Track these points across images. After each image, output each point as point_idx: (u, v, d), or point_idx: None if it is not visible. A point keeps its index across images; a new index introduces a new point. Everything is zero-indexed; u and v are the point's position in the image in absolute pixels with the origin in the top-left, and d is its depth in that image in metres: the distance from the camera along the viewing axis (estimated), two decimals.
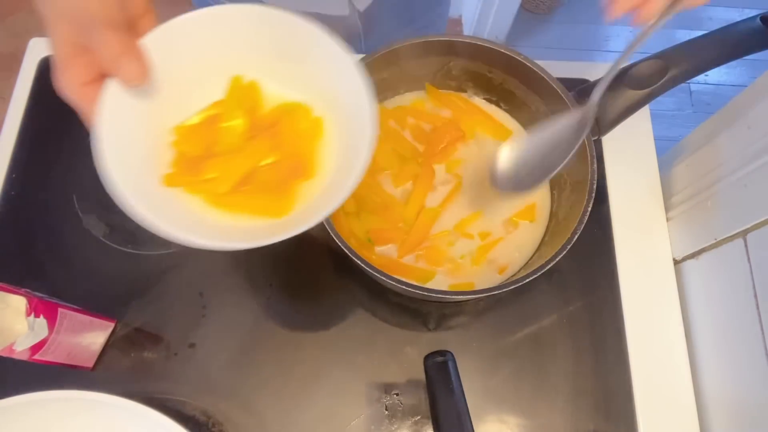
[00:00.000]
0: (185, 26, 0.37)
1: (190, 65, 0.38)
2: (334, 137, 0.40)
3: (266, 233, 0.35)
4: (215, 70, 0.39)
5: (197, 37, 0.37)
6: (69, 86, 0.34)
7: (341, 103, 0.39)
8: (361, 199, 0.53)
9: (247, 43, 0.38)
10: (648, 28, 0.40)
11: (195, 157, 0.38)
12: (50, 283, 0.54)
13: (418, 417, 0.51)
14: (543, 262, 0.45)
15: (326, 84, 0.39)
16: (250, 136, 0.39)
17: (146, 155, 0.37)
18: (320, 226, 0.44)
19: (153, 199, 0.35)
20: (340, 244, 0.45)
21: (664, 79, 0.48)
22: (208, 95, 0.40)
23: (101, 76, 0.35)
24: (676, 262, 0.58)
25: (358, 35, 0.68)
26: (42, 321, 0.43)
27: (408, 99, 0.59)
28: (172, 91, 0.37)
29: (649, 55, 0.49)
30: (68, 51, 0.34)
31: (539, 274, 0.45)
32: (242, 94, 0.40)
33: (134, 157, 0.36)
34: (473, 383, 0.52)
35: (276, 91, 0.41)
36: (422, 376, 0.44)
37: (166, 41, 0.36)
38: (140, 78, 0.34)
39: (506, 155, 0.48)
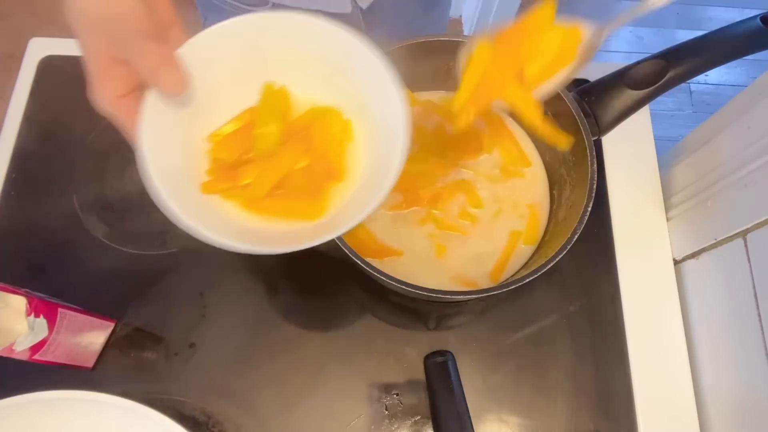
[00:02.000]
0: (219, 35, 0.37)
1: (223, 73, 0.38)
2: (364, 141, 0.40)
3: (301, 237, 0.36)
4: (248, 77, 0.40)
5: (230, 46, 0.38)
6: (106, 100, 0.34)
7: (373, 107, 0.39)
8: None
9: (279, 50, 0.39)
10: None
11: (230, 163, 0.39)
12: (50, 283, 0.54)
13: (418, 417, 0.51)
14: (543, 262, 0.45)
15: (358, 89, 0.39)
16: (282, 141, 0.39)
17: (185, 164, 0.38)
18: None
19: (194, 206, 0.36)
20: (339, 244, 0.45)
21: (664, 79, 0.48)
22: (241, 102, 0.40)
23: (136, 88, 0.35)
24: (676, 262, 0.58)
25: (361, 33, 0.69)
26: (42, 321, 0.43)
27: (436, 97, 0.59)
28: (206, 99, 0.38)
29: (649, 55, 0.49)
30: (103, 64, 0.34)
31: (539, 274, 0.45)
32: (275, 100, 0.40)
33: (174, 167, 0.37)
34: (473, 383, 0.52)
35: (307, 96, 0.41)
36: (422, 376, 0.44)
37: (201, 50, 0.36)
38: (180, 88, 0.34)
39: None
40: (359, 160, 0.40)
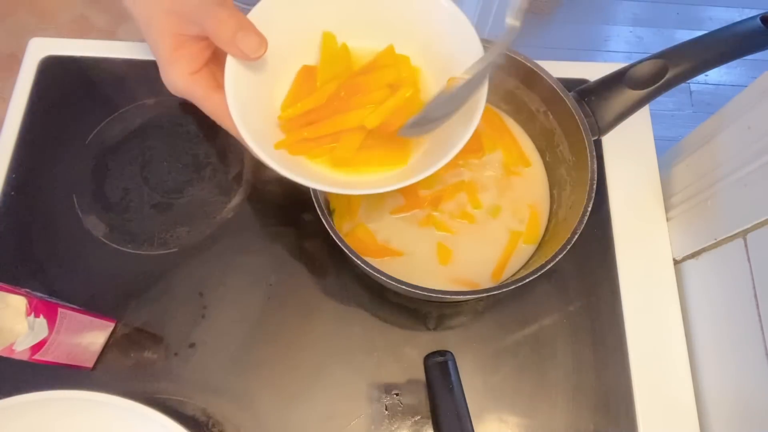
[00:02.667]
0: None
1: (290, 33, 0.39)
2: (434, 86, 0.40)
3: (391, 181, 0.37)
4: (306, 36, 0.40)
5: (295, 5, 0.38)
6: (180, 79, 0.35)
7: (440, 48, 0.39)
8: None
9: (345, 6, 0.39)
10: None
11: (300, 117, 0.39)
12: (50, 283, 0.54)
13: (418, 417, 0.51)
14: (543, 262, 0.45)
15: (425, 39, 0.40)
16: (352, 91, 0.40)
17: (268, 127, 0.39)
18: (321, 227, 0.44)
19: (284, 166, 0.36)
20: (340, 244, 0.45)
21: (664, 79, 0.48)
22: (300, 61, 0.41)
23: (205, 65, 0.36)
24: (676, 262, 0.58)
25: None
26: (42, 321, 0.43)
27: None
28: (277, 61, 0.38)
29: (649, 55, 0.49)
30: (171, 43, 0.35)
31: (539, 274, 0.45)
32: (335, 50, 0.41)
33: (260, 130, 0.37)
34: (473, 383, 0.52)
35: (368, 46, 0.41)
36: (422, 376, 0.44)
37: (269, 13, 0.37)
38: (260, 49, 0.34)
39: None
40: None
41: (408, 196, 0.54)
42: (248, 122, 0.35)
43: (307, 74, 0.41)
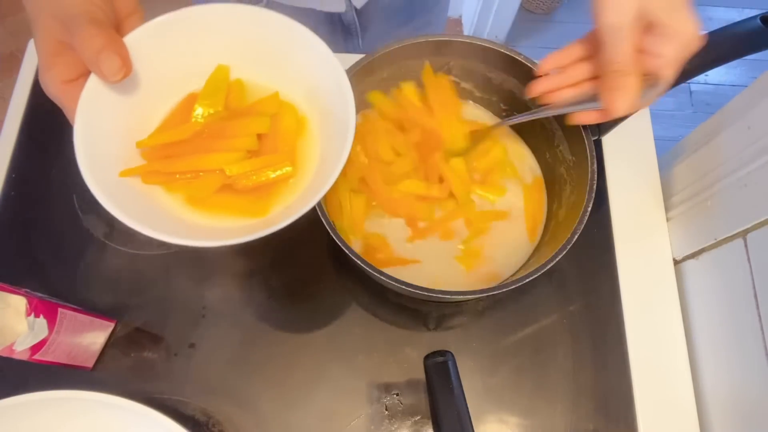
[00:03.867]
0: (168, 25, 0.37)
1: (173, 62, 0.38)
2: (315, 140, 0.40)
3: (241, 232, 0.35)
4: (198, 67, 0.40)
5: (181, 36, 0.38)
6: (52, 83, 0.34)
7: (321, 98, 0.39)
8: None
9: (231, 41, 0.39)
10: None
11: (166, 146, 0.38)
12: (50, 283, 0.54)
13: (418, 417, 0.51)
14: (543, 262, 0.45)
15: (307, 83, 0.39)
16: (231, 132, 0.39)
17: (126, 152, 0.37)
18: (320, 227, 0.44)
19: (130, 195, 0.36)
20: (340, 243, 0.45)
21: None
22: (188, 89, 0.40)
23: (84, 74, 0.35)
24: (676, 262, 0.58)
25: (356, 32, 0.68)
26: (42, 321, 0.43)
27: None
28: (154, 86, 0.38)
29: None
30: (52, 48, 0.34)
31: (539, 274, 0.45)
32: (220, 81, 0.40)
33: (114, 154, 0.36)
34: (473, 383, 0.52)
35: (255, 82, 0.41)
36: (422, 376, 0.44)
37: (151, 39, 0.36)
38: (119, 74, 0.34)
39: None
40: (310, 157, 0.40)
41: (412, 227, 0.53)
42: (99, 146, 0.34)
43: (189, 102, 0.40)
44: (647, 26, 0.37)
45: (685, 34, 0.37)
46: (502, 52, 0.52)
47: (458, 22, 1.79)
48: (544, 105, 0.47)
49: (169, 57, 0.38)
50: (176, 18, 0.37)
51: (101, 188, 0.33)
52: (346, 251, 0.44)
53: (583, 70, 0.44)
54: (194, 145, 0.39)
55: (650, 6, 0.36)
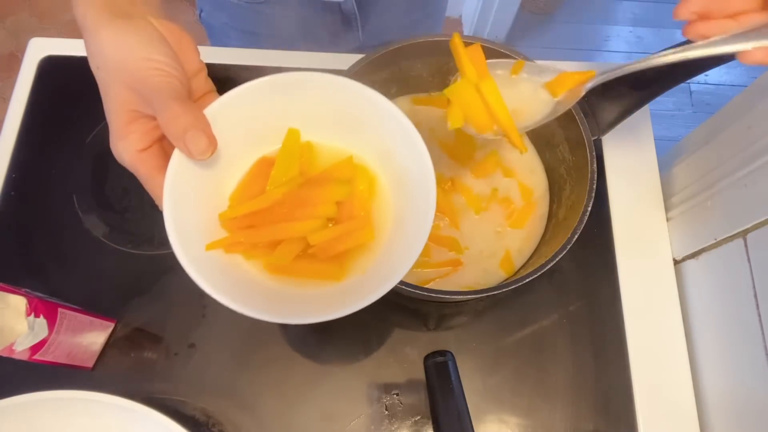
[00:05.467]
0: (244, 95, 0.37)
1: (245, 130, 0.38)
2: (389, 201, 0.40)
3: (328, 303, 0.35)
4: (268, 131, 0.40)
5: (256, 104, 0.38)
6: (127, 153, 0.34)
7: (396, 162, 0.39)
8: None
9: (303, 106, 0.39)
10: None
11: (245, 217, 0.38)
12: (50, 283, 0.54)
13: (418, 417, 0.51)
14: (543, 262, 0.45)
15: (380, 142, 0.39)
16: (304, 199, 0.39)
17: (209, 223, 0.38)
18: None
19: (215, 266, 0.36)
20: None
21: (663, 79, 0.48)
22: (258, 154, 0.40)
23: (157, 141, 0.35)
24: (676, 262, 0.58)
25: (356, 22, 0.68)
26: (42, 321, 0.43)
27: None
28: (229, 155, 0.38)
29: (649, 54, 0.49)
30: (125, 117, 0.34)
31: (539, 274, 0.45)
32: (295, 146, 0.40)
33: (199, 225, 0.36)
34: (473, 383, 0.52)
35: (329, 146, 0.41)
36: (422, 376, 0.44)
37: (227, 109, 0.36)
38: (207, 152, 0.33)
39: None
40: (385, 218, 0.40)
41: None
42: (184, 219, 0.35)
43: (262, 167, 0.40)
44: None
45: None
46: (502, 52, 0.52)
47: (458, 22, 1.80)
48: (690, 41, 0.36)
49: (243, 125, 0.38)
50: (251, 88, 0.37)
51: (194, 266, 0.33)
52: None
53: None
54: (274, 213, 0.38)
55: None
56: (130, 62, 0.33)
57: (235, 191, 0.39)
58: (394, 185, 0.40)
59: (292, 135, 0.40)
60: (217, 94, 0.38)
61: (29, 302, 0.42)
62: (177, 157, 0.34)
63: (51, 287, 0.54)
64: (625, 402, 0.52)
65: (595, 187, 0.47)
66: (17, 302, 0.42)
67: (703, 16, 0.34)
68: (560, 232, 0.50)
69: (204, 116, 0.34)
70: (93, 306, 0.51)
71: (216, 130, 0.34)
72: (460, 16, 1.80)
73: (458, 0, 1.74)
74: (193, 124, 0.33)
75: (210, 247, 0.36)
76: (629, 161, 0.62)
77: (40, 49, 0.64)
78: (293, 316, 0.34)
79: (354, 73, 0.49)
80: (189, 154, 0.33)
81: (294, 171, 0.39)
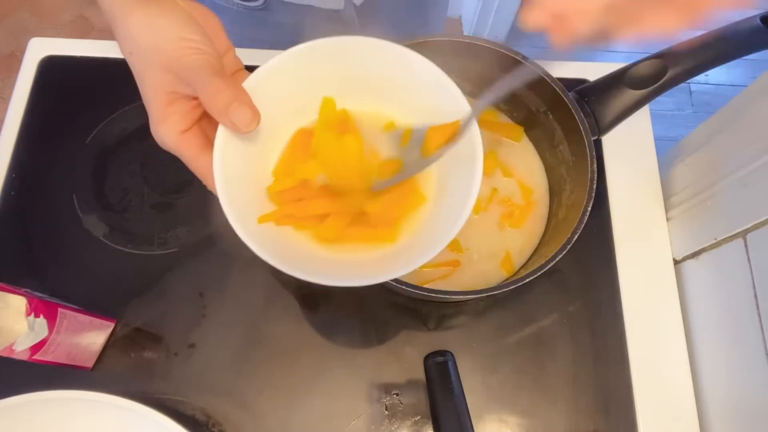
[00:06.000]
0: (283, 65, 0.37)
1: (283, 102, 0.38)
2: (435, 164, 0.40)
3: (379, 266, 0.35)
4: (304, 101, 0.40)
5: (294, 74, 0.37)
6: (168, 136, 0.34)
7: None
8: None
9: (338, 73, 0.39)
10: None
11: (301, 193, 0.38)
12: (50, 283, 0.55)
13: (418, 417, 0.51)
14: (543, 262, 0.45)
15: (424, 110, 0.39)
16: (353, 169, 0.39)
17: (257, 196, 0.38)
18: None
19: (268, 237, 0.36)
20: None
21: (664, 79, 0.48)
22: (296, 125, 0.40)
23: (197, 120, 0.35)
24: (676, 262, 0.58)
25: (356, 31, 0.68)
26: (42, 321, 0.43)
27: None
28: (269, 128, 0.37)
29: (649, 54, 0.49)
30: (164, 100, 0.34)
31: (539, 274, 0.45)
32: (333, 117, 0.40)
33: (247, 199, 0.37)
34: (473, 383, 0.52)
35: (364, 114, 0.41)
36: (422, 376, 0.44)
37: (265, 82, 0.36)
38: (252, 124, 0.33)
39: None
40: (428, 181, 0.40)
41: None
42: (234, 194, 0.35)
43: (302, 138, 0.40)
44: None
45: None
46: (502, 52, 0.52)
47: (458, 22, 1.80)
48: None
49: (280, 97, 0.38)
50: (288, 57, 0.37)
51: (251, 238, 0.34)
52: None
53: None
54: (321, 184, 0.39)
55: None
56: (164, 43, 0.33)
57: (278, 165, 0.39)
58: None
59: (328, 104, 0.40)
60: (246, 71, 0.38)
61: (29, 302, 0.42)
62: (222, 133, 0.34)
63: (51, 287, 0.54)
64: (625, 402, 0.52)
65: (595, 187, 0.47)
66: (17, 302, 0.42)
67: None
68: (560, 232, 0.50)
69: (244, 89, 0.34)
70: (93, 306, 0.51)
71: (256, 103, 0.34)
72: (460, 17, 1.80)
73: (458, 0, 1.74)
74: (236, 97, 0.32)
75: (262, 219, 0.37)
76: (629, 161, 0.62)
77: (40, 49, 0.64)
78: (354, 278, 0.34)
79: None
80: (234, 127, 0.33)
81: (334, 136, 0.39)
